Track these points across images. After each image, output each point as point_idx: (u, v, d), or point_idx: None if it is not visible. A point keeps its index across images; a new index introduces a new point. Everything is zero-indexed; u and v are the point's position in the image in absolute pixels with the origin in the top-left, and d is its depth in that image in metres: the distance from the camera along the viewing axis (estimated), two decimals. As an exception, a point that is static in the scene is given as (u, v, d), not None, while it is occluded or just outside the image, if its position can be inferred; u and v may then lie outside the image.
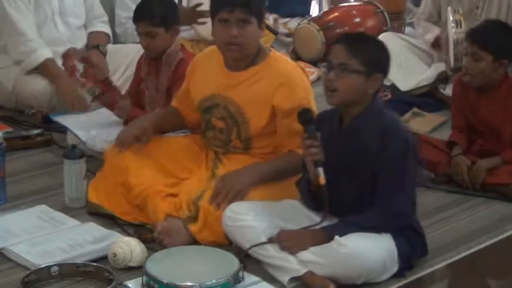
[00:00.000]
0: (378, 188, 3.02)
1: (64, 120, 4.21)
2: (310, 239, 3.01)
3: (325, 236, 2.99)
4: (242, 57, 3.38)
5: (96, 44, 4.88)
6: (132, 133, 3.56)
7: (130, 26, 5.38)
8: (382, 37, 5.30)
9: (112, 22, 5.28)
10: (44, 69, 4.72)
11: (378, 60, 3.05)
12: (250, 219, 3.08)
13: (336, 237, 2.94)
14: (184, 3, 5.22)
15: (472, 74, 3.89)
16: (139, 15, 4.02)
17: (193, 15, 5.09)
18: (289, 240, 3.01)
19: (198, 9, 5.00)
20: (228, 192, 3.24)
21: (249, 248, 3.04)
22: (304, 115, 3.08)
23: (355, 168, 3.05)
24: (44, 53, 4.72)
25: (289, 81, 3.35)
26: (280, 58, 3.48)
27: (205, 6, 4.90)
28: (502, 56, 3.84)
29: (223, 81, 3.43)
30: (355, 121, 3.06)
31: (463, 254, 3.30)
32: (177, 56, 3.95)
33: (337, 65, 3.02)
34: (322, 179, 3.01)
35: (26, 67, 4.72)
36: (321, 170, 3.00)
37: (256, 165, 3.36)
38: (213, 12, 3.37)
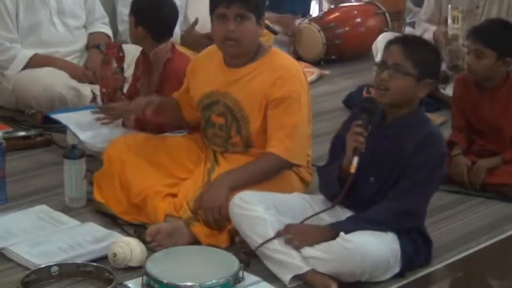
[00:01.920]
0: (399, 185, 3.04)
1: (63, 118, 4.21)
2: (316, 235, 3.01)
3: (331, 233, 2.99)
4: (240, 54, 3.38)
5: (96, 43, 4.89)
6: (142, 102, 3.60)
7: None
8: (382, 37, 5.33)
9: (112, 21, 5.27)
10: (35, 64, 4.75)
11: (430, 65, 3.09)
12: (261, 210, 3.07)
13: (341, 233, 2.95)
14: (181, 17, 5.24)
15: (474, 71, 3.89)
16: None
17: (200, 45, 5.00)
18: (296, 235, 3.01)
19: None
20: (211, 215, 3.23)
21: (260, 245, 3.02)
22: (367, 103, 3.11)
23: (385, 166, 3.07)
24: (25, 55, 4.74)
25: (285, 73, 3.36)
26: (282, 54, 3.50)
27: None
28: (506, 54, 3.84)
29: (222, 78, 3.45)
30: (399, 122, 3.09)
31: (463, 254, 3.30)
32: (166, 55, 3.94)
33: (391, 65, 3.05)
34: (353, 168, 3.03)
35: (12, 74, 4.73)
36: (356, 159, 3.03)
37: (229, 173, 3.33)
38: (211, 8, 3.38)
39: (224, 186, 3.26)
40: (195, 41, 5.06)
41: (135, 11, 3.98)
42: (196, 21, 5.16)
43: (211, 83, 3.48)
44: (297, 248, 3.00)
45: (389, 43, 3.14)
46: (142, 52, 4.08)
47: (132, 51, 4.88)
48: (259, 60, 3.41)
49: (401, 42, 3.11)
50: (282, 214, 3.11)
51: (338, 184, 3.10)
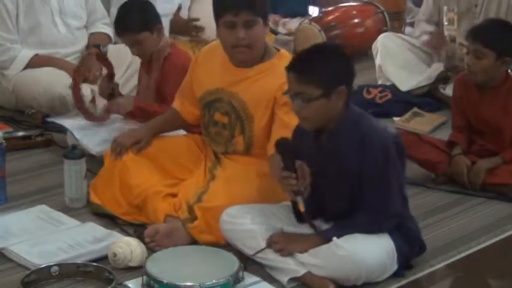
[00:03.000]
0: (365, 194, 2.98)
1: (62, 121, 4.21)
2: (302, 242, 3.01)
3: (320, 240, 2.99)
4: (250, 59, 3.37)
5: (97, 43, 4.89)
6: (128, 141, 3.55)
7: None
8: (382, 37, 5.33)
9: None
10: (36, 65, 4.75)
11: (331, 76, 2.95)
12: (248, 222, 3.08)
13: (334, 238, 2.94)
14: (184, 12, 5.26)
15: (474, 72, 3.89)
16: (120, 28, 3.99)
17: (187, 29, 5.10)
18: (280, 243, 3.01)
19: (194, 23, 5.05)
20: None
21: (252, 255, 3.03)
22: (281, 146, 3.02)
23: (340, 181, 3.02)
24: (26, 55, 4.74)
25: None
26: (290, 58, 3.47)
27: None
28: (505, 54, 3.84)
29: (228, 76, 3.43)
30: (331, 137, 3.00)
31: (463, 254, 3.30)
32: (166, 51, 3.94)
33: (294, 95, 2.96)
34: (302, 207, 3.02)
35: (13, 73, 4.74)
36: (299, 199, 3.00)
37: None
38: (218, 15, 3.34)
39: None
40: (182, 27, 5.07)
41: (141, 29, 3.92)
42: (180, 7, 5.18)
43: (215, 80, 3.46)
44: (283, 256, 2.99)
45: (287, 71, 2.99)
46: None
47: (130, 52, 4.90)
48: (268, 62, 3.39)
49: (292, 68, 2.96)
50: (271, 219, 3.11)
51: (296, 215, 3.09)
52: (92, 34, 5.03)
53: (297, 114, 2.99)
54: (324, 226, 3.10)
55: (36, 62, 4.76)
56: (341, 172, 3.00)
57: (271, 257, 3.02)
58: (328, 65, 2.96)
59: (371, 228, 2.99)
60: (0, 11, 4.73)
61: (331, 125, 3.00)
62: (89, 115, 4.15)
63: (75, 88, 4.17)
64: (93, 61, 4.38)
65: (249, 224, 3.07)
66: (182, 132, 3.79)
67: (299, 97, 2.94)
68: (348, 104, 3.01)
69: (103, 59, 4.15)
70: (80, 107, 4.18)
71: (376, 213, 2.99)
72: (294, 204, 3.06)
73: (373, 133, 2.99)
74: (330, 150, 3.00)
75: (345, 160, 2.98)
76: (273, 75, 3.35)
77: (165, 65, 3.91)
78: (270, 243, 3.01)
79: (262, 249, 3.02)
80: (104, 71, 4.15)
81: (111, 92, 4.06)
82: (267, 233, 3.05)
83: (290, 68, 2.98)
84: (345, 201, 3.05)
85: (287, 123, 3.23)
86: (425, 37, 5.15)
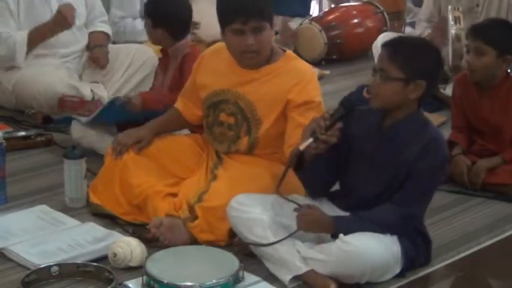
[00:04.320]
0: (403, 189, 3.02)
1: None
2: (321, 223, 3.00)
3: (334, 227, 2.98)
4: (258, 62, 3.38)
5: (99, 43, 4.90)
6: (129, 140, 3.55)
7: (123, 25, 5.41)
8: (382, 37, 5.33)
9: None
10: (35, 38, 4.76)
11: (419, 66, 3.01)
12: (257, 211, 3.07)
13: (341, 235, 2.94)
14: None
15: (474, 69, 3.89)
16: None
17: None
18: (304, 217, 2.99)
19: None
20: None
21: (269, 244, 3.01)
22: (346, 101, 3.06)
23: (388, 167, 3.05)
24: (22, 35, 4.72)
25: (303, 78, 3.36)
26: (296, 59, 3.49)
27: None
28: (506, 52, 3.84)
29: (234, 77, 3.42)
30: (397, 125, 3.06)
31: (463, 254, 3.30)
32: (184, 51, 3.95)
33: (378, 70, 3.02)
34: (302, 146, 2.97)
35: (21, 59, 4.72)
36: (310, 140, 2.96)
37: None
38: (225, 22, 3.33)
39: None
40: None
41: (151, 13, 3.98)
42: None
43: (221, 81, 3.46)
44: (300, 229, 2.99)
45: (381, 47, 3.11)
46: (161, 51, 4.11)
47: (131, 50, 4.90)
48: (274, 64, 3.39)
49: (388, 45, 3.06)
50: (279, 215, 3.10)
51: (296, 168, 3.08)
52: (91, 33, 5.03)
53: (370, 89, 3.04)
54: (336, 213, 3.10)
55: (34, 36, 4.73)
56: (393, 160, 3.03)
57: (277, 247, 3.00)
58: (420, 56, 3.03)
59: (389, 221, 2.99)
60: (2, 9, 4.73)
61: (398, 114, 3.05)
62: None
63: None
64: (104, 53, 4.52)
65: (258, 214, 3.07)
66: (186, 131, 3.79)
67: (380, 73, 3.00)
68: (421, 103, 3.08)
69: None
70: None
71: (402, 209, 3.01)
72: (299, 154, 3.03)
73: (440, 141, 3.09)
74: (393, 137, 3.05)
75: (404, 151, 3.02)
76: (281, 77, 3.36)
77: (183, 64, 3.93)
78: (297, 212, 3.00)
79: (274, 243, 3.00)
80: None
81: None
82: (274, 225, 3.05)
83: (386, 44, 3.07)
84: (378, 188, 3.06)
85: (303, 124, 3.23)
86: (426, 32, 5.15)
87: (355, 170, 3.11)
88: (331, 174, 3.15)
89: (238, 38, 3.30)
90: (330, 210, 3.11)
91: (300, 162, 3.07)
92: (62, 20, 4.70)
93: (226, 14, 3.33)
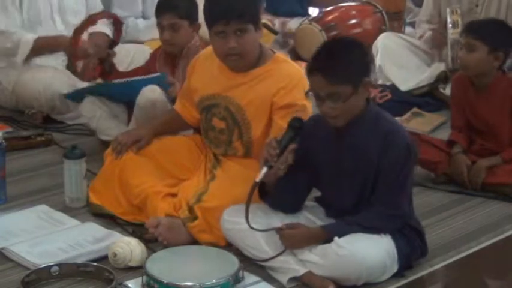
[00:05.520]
0: (378, 190, 3.00)
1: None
2: (306, 239, 3.00)
3: (325, 234, 2.98)
4: (243, 65, 3.38)
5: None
6: (129, 139, 3.55)
7: (125, 24, 5.40)
8: (382, 37, 5.33)
9: None
10: (40, 48, 4.74)
11: (357, 69, 2.95)
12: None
13: (335, 238, 2.94)
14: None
15: (466, 65, 3.90)
16: (164, 7, 4.01)
17: None
18: (285, 239, 2.99)
19: None
20: None
21: (269, 259, 3.03)
22: (293, 122, 3.04)
23: (355, 173, 3.03)
24: (29, 37, 4.71)
25: (290, 81, 3.35)
26: (285, 61, 3.47)
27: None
28: (497, 46, 3.84)
29: (225, 81, 3.43)
30: (351, 128, 3.01)
31: (463, 254, 3.30)
32: (197, 51, 3.94)
33: (326, 96, 2.93)
34: (258, 177, 2.98)
35: (21, 58, 4.72)
36: (264, 170, 2.97)
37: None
38: (209, 25, 3.35)
39: None
40: None
41: (185, 15, 3.97)
42: None
43: (212, 85, 3.47)
44: (288, 249, 2.99)
45: (308, 73, 2.97)
46: (164, 49, 4.10)
47: (131, 50, 4.89)
48: (263, 67, 3.39)
49: (320, 70, 2.92)
50: (271, 217, 3.11)
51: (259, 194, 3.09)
52: (90, 34, 5.02)
53: (327, 114, 2.97)
54: (320, 222, 3.11)
55: (39, 44, 4.72)
56: (358, 165, 3.01)
57: (272, 257, 3.02)
58: (351, 58, 2.96)
59: (378, 224, 2.98)
60: (6, 7, 4.73)
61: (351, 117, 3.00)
62: (78, 73, 4.22)
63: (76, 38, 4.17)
64: (102, 39, 4.48)
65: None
66: (191, 133, 3.78)
67: (332, 98, 2.92)
68: (368, 97, 3.03)
69: (117, 20, 4.20)
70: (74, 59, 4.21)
71: (386, 210, 2.99)
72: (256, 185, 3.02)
73: (397, 130, 3.02)
74: (349, 142, 3.01)
75: (365, 153, 2.99)
76: (269, 80, 3.36)
77: None
78: (278, 233, 2.99)
79: (278, 254, 3.00)
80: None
81: (105, 56, 4.06)
82: (268, 233, 3.04)
83: (316, 70, 2.95)
84: (353, 196, 3.05)
85: (283, 127, 3.24)
86: (428, 33, 5.16)
87: (327, 182, 3.09)
88: (298, 193, 3.15)
89: (221, 40, 3.31)
90: (319, 218, 3.12)
91: (262, 191, 3.08)
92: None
93: (209, 17, 3.35)
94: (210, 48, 3.59)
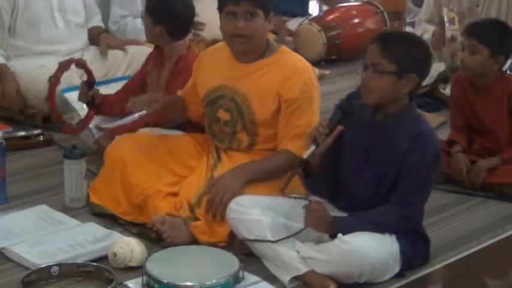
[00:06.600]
0: (398, 188, 3.02)
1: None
2: (328, 222, 2.99)
3: (334, 226, 2.98)
4: (249, 50, 3.40)
5: (102, 31, 4.92)
6: (145, 99, 3.57)
7: (123, 24, 5.40)
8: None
9: (103, 20, 5.27)
10: None
11: (410, 60, 3.01)
12: (257, 213, 3.09)
13: (339, 235, 2.94)
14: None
15: (467, 67, 3.91)
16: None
17: None
18: (317, 212, 2.99)
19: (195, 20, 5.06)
20: (221, 199, 3.24)
21: (274, 241, 3.03)
22: (343, 105, 3.09)
23: (379, 164, 3.05)
24: None
25: (295, 73, 3.37)
26: (292, 53, 3.51)
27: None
28: (499, 51, 3.85)
29: (231, 72, 3.45)
30: (389, 119, 3.06)
31: (463, 254, 3.30)
32: (181, 52, 3.95)
33: (370, 65, 3.02)
34: (306, 154, 3.01)
35: None
36: (312, 148, 3.00)
37: (248, 165, 3.36)
38: (220, 6, 3.40)
39: (242, 176, 3.29)
40: None
41: (152, 11, 3.97)
42: None
43: (219, 77, 3.49)
44: (310, 226, 2.99)
45: (370, 43, 3.10)
46: (156, 47, 4.09)
47: (130, 51, 4.89)
48: (270, 58, 3.42)
49: (378, 40, 3.06)
50: (279, 215, 3.11)
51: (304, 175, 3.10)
52: (89, 29, 5.03)
53: (363, 84, 3.04)
54: (336, 214, 3.11)
55: None
56: (382, 153, 3.04)
57: (277, 248, 3.01)
58: (411, 49, 3.04)
59: (389, 221, 2.99)
60: None
61: (390, 108, 3.05)
62: (65, 125, 4.19)
63: (52, 93, 4.15)
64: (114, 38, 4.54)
65: (257, 215, 3.08)
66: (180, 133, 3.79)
67: (372, 68, 3.00)
68: (412, 97, 3.08)
69: (83, 65, 4.14)
70: (55, 115, 4.19)
71: (401, 209, 3.00)
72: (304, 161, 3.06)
73: (430, 134, 3.07)
74: (382, 131, 3.05)
75: (394, 146, 3.02)
76: (275, 71, 3.39)
77: (178, 65, 3.93)
78: (306, 208, 3.00)
79: (278, 240, 3.02)
80: (84, 78, 4.16)
81: (90, 100, 4.04)
82: (272, 226, 3.06)
83: (376, 39, 3.06)
84: (368, 189, 3.06)
85: (295, 125, 3.29)
86: (426, 35, 5.15)
87: (348, 169, 3.11)
88: (333, 172, 3.16)
89: (231, 21, 3.34)
90: (330, 211, 3.11)
91: (305, 170, 3.09)
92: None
93: None
94: (217, 44, 3.63)
